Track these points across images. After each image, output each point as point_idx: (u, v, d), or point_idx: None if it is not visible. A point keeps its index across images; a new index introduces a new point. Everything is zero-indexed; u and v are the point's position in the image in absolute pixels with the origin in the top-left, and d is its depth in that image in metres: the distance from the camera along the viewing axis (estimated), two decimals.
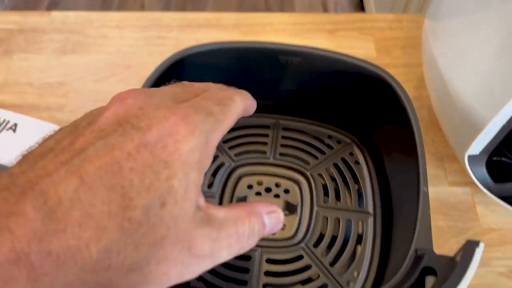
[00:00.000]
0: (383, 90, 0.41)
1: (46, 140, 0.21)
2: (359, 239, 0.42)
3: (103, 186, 0.18)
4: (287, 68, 0.44)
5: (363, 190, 0.45)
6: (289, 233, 0.42)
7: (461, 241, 0.47)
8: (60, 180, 0.18)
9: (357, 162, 0.46)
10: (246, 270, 0.40)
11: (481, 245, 0.26)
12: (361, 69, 0.42)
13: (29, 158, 0.19)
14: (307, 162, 0.46)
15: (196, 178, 0.21)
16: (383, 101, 0.43)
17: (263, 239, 0.41)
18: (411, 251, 0.31)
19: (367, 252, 0.41)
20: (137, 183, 0.19)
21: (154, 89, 0.24)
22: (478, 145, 0.42)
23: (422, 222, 0.32)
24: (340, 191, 0.44)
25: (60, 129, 0.21)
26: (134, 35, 0.61)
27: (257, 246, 0.41)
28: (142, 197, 0.19)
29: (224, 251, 0.22)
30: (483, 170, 0.45)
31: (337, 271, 0.40)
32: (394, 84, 0.40)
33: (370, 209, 0.43)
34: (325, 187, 0.45)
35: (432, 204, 0.49)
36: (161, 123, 0.20)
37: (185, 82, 0.28)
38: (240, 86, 0.47)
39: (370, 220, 0.43)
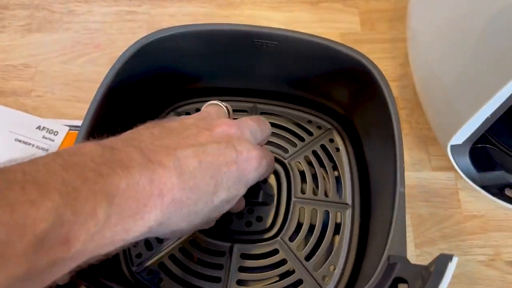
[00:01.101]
0: (362, 75, 0.39)
1: (171, 121, 0.31)
2: (337, 230, 0.41)
3: (208, 173, 0.28)
4: (262, 52, 0.42)
5: (342, 179, 0.43)
6: (265, 225, 0.41)
7: (443, 229, 0.47)
8: (188, 156, 0.28)
9: (337, 149, 0.45)
10: (219, 266, 0.39)
11: (455, 260, 0.26)
12: (339, 53, 0.40)
13: (163, 127, 0.30)
14: (285, 150, 0.44)
15: (244, 192, 0.32)
16: (363, 86, 0.40)
17: (238, 232, 0.41)
18: (384, 259, 0.30)
19: (344, 245, 0.40)
20: (224, 183, 0.29)
21: (251, 127, 0.34)
22: (462, 135, 0.40)
23: (397, 227, 0.31)
24: (319, 180, 0.43)
25: (181, 120, 0.31)
26: (103, 10, 0.58)
27: (232, 240, 0.40)
28: (223, 193, 0.30)
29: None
30: (466, 160, 0.43)
31: (313, 265, 0.39)
32: (374, 71, 0.38)
33: (349, 200, 0.42)
34: (303, 176, 0.43)
35: (414, 191, 0.49)
36: (249, 153, 0.31)
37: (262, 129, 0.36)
38: (214, 70, 0.45)
39: (348, 212, 0.41)
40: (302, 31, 0.39)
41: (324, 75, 0.43)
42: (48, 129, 0.50)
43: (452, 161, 0.44)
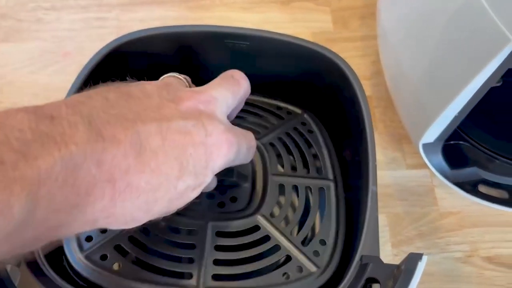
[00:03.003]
0: (334, 72, 0.39)
1: (129, 85, 0.26)
2: (322, 206, 0.38)
3: (173, 155, 0.24)
4: (234, 53, 0.41)
5: (319, 156, 0.41)
6: (241, 205, 0.37)
7: (419, 227, 0.47)
8: (150, 132, 0.23)
9: (310, 131, 0.43)
10: (191, 246, 0.34)
11: (424, 259, 0.26)
12: (310, 51, 0.39)
13: (120, 92, 0.25)
14: (257, 132, 0.41)
15: (210, 179, 0.27)
16: (336, 85, 0.40)
17: (211, 211, 0.37)
18: (357, 259, 0.29)
19: (332, 219, 0.37)
20: (190, 166, 0.25)
21: (221, 98, 0.29)
22: (432, 133, 0.40)
23: (370, 226, 0.31)
24: (295, 158, 0.40)
25: (142, 85, 0.27)
26: (71, 17, 0.57)
27: (205, 218, 0.35)
28: (188, 177, 0.25)
29: None
30: (439, 157, 0.43)
31: (301, 241, 0.35)
32: (344, 69, 0.38)
33: (330, 175, 0.40)
34: (278, 154, 0.40)
35: (390, 190, 0.49)
36: (219, 135, 0.26)
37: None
38: (186, 72, 0.45)
39: (332, 186, 0.39)
40: (273, 31, 0.39)
41: (297, 74, 0.42)
42: None
43: (425, 159, 0.44)
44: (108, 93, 0.24)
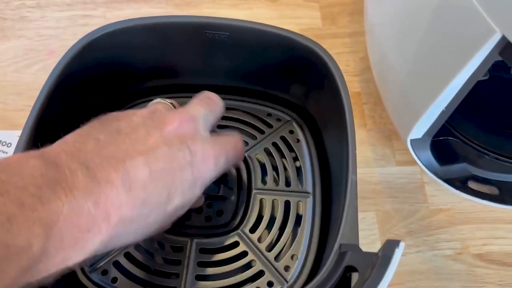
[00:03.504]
0: (318, 65, 0.38)
1: (118, 119, 0.28)
2: (298, 220, 0.40)
3: (160, 182, 0.26)
4: (215, 44, 0.41)
5: (302, 169, 0.42)
6: (225, 219, 0.40)
7: (409, 225, 0.46)
8: (137, 167, 0.25)
9: (297, 140, 0.44)
10: (178, 262, 0.38)
11: (401, 245, 0.25)
12: (293, 42, 0.39)
13: (110, 131, 0.27)
14: (245, 143, 0.43)
15: (200, 193, 0.30)
16: (318, 76, 0.40)
17: (197, 228, 0.39)
18: (336, 247, 0.29)
19: (306, 234, 0.39)
20: (178, 189, 0.27)
21: (202, 115, 0.31)
22: (420, 128, 0.39)
23: (348, 215, 0.30)
24: (279, 171, 0.42)
25: (129, 117, 0.29)
26: (56, 15, 0.56)
27: (190, 235, 0.39)
28: (177, 199, 0.28)
29: None
30: (428, 154, 0.43)
31: (274, 256, 0.38)
32: (327, 60, 0.37)
33: (310, 188, 0.41)
34: (263, 168, 0.42)
35: (379, 187, 0.48)
36: (204, 152, 0.29)
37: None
38: (166, 66, 0.44)
39: (309, 201, 0.41)
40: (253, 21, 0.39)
41: (278, 66, 0.42)
42: (0, 141, 0.48)
43: (414, 155, 0.43)
44: (100, 133, 0.27)
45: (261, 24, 0.39)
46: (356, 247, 0.29)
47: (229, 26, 0.39)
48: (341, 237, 0.30)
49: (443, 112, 0.37)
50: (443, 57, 0.34)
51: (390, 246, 0.25)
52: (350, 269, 0.28)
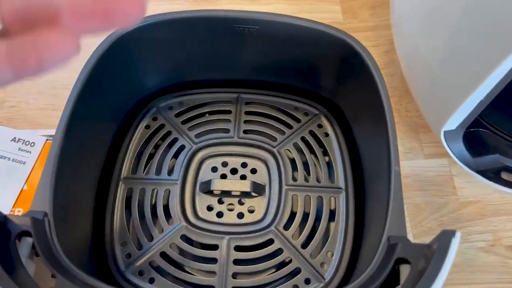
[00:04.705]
0: (350, 57, 0.38)
1: None
2: (332, 216, 0.39)
3: None
4: (244, 38, 0.40)
5: (333, 163, 0.42)
6: (258, 216, 0.39)
7: (440, 217, 0.46)
8: None
9: (326, 134, 0.44)
10: (213, 261, 0.37)
11: (457, 235, 0.24)
12: (325, 34, 0.38)
13: None
14: (273, 138, 0.43)
15: None
16: (350, 69, 0.39)
17: (230, 225, 0.39)
18: (384, 240, 0.28)
19: (340, 230, 0.39)
20: None
21: None
22: (454, 120, 0.39)
23: (395, 207, 0.30)
24: (310, 167, 0.41)
25: None
26: None
27: (224, 233, 0.38)
28: None
29: None
30: (461, 145, 0.42)
31: (310, 253, 0.38)
32: (361, 52, 0.37)
33: (342, 183, 0.41)
34: (293, 163, 0.42)
35: (408, 180, 0.47)
36: None
37: None
38: (196, 61, 0.44)
39: (342, 196, 0.40)
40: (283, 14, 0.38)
41: (308, 60, 0.42)
42: (24, 140, 0.48)
43: (446, 147, 0.42)
44: None
45: (291, 17, 0.39)
46: (405, 239, 0.29)
47: (259, 20, 0.39)
48: (388, 229, 0.29)
49: (481, 102, 0.36)
50: (485, 44, 0.33)
51: (445, 237, 0.25)
52: (401, 261, 0.28)
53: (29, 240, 0.28)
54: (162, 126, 0.44)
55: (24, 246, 0.28)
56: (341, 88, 0.43)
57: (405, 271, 0.28)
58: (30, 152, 0.47)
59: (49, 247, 0.28)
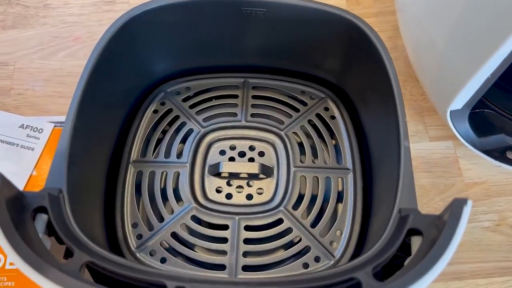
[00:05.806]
0: (357, 38, 0.38)
1: None
2: (340, 197, 0.40)
3: None
4: (251, 21, 0.40)
5: (340, 145, 0.42)
6: (266, 197, 0.40)
7: (446, 198, 0.46)
8: None
9: (332, 117, 0.44)
10: (224, 240, 0.38)
11: (469, 203, 0.24)
12: (333, 16, 0.39)
13: None
14: (280, 122, 0.43)
15: None
16: (357, 50, 0.40)
17: (239, 206, 0.39)
18: (395, 212, 0.29)
19: (349, 209, 0.39)
20: None
21: None
22: (461, 99, 0.39)
23: (405, 180, 0.30)
24: (317, 149, 0.42)
25: None
26: (79, 1, 0.56)
27: (234, 213, 0.38)
28: None
29: None
30: (466, 125, 0.42)
31: (319, 232, 0.38)
32: (368, 32, 0.37)
33: (349, 164, 0.41)
34: (301, 145, 0.42)
35: (414, 162, 0.47)
36: None
37: None
38: (203, 45, 0.44)
39: (350, 176, 0.41)
40: None
41: (315, 42, 0.42)
42: (32, 127, 0.48)
43: (452, 127, 0.43)
44: None
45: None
46: (415, 211, 0.29)
47: (266, 2, 0.39)
48: (399, 202, 0.29)
49: (487, 80, 0.36)
50: (491, 21, 0.34)
51: (458, 205, 0.25)
52: (412, 232, 0.28)
53: (44, 217, 0.28)
54: (170, 111, 0.44)
55: (39, 223, 0.28)
56: (348, 70, 0.43)
57: (416, 242, 0.28)
58: (39, 139, 0.47)
59: (65, 223, 0.28)
